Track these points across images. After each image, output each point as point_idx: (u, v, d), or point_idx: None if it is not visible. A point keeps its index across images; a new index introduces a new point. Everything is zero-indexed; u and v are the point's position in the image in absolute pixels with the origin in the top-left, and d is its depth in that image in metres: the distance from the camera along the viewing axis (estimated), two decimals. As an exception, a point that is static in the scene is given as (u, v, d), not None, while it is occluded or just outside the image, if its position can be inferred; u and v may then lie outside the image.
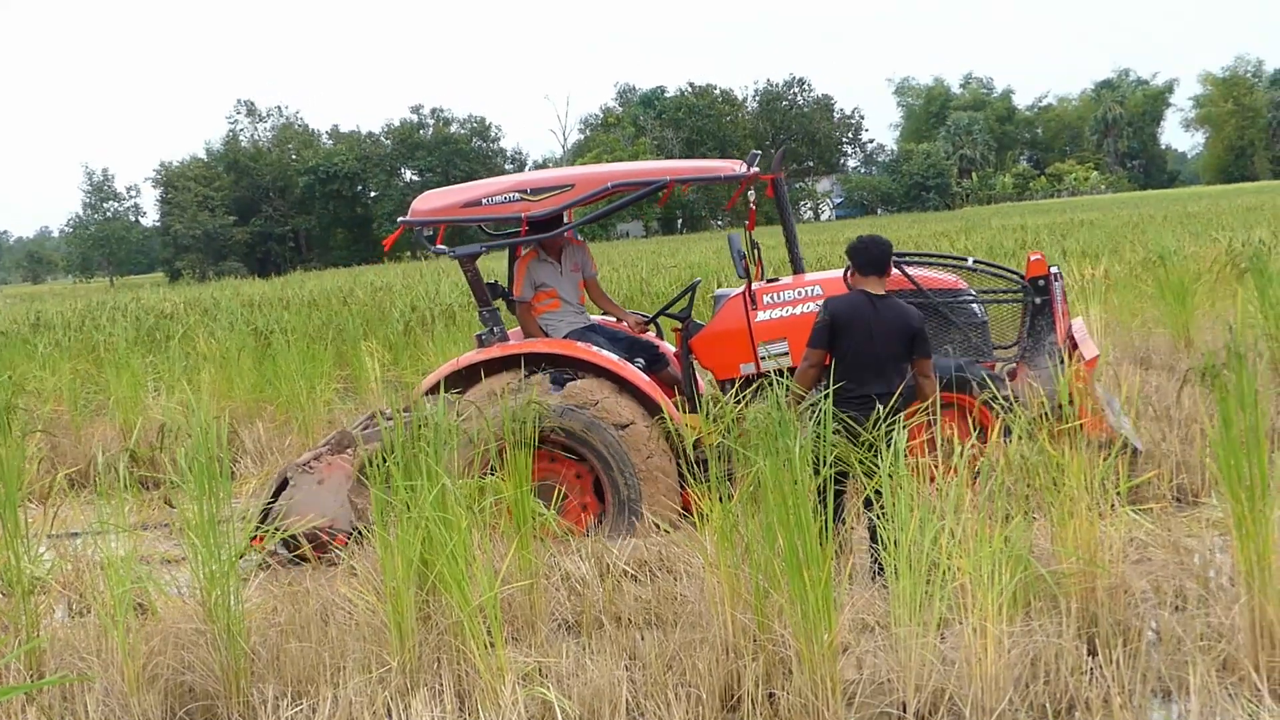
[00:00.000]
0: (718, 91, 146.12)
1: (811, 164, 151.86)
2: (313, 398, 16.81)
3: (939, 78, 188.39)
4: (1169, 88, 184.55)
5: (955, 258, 13.37)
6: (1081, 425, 9.43)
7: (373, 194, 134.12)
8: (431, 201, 12.73)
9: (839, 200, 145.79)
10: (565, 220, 12.77)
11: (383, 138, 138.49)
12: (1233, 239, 29.53)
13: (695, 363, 12.41)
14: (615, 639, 8.56)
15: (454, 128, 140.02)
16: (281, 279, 71.36)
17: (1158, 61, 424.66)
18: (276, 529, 11.08)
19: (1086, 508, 8.28)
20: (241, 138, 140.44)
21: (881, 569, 8.48)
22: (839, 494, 8.79)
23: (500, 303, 12.81)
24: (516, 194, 12.12)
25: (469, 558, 7.91)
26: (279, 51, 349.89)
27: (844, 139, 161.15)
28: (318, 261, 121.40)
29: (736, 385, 11.61)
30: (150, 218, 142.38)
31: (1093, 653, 7.78)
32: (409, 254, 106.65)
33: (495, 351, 12.02)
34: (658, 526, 10.85)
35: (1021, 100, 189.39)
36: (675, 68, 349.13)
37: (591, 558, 10.05)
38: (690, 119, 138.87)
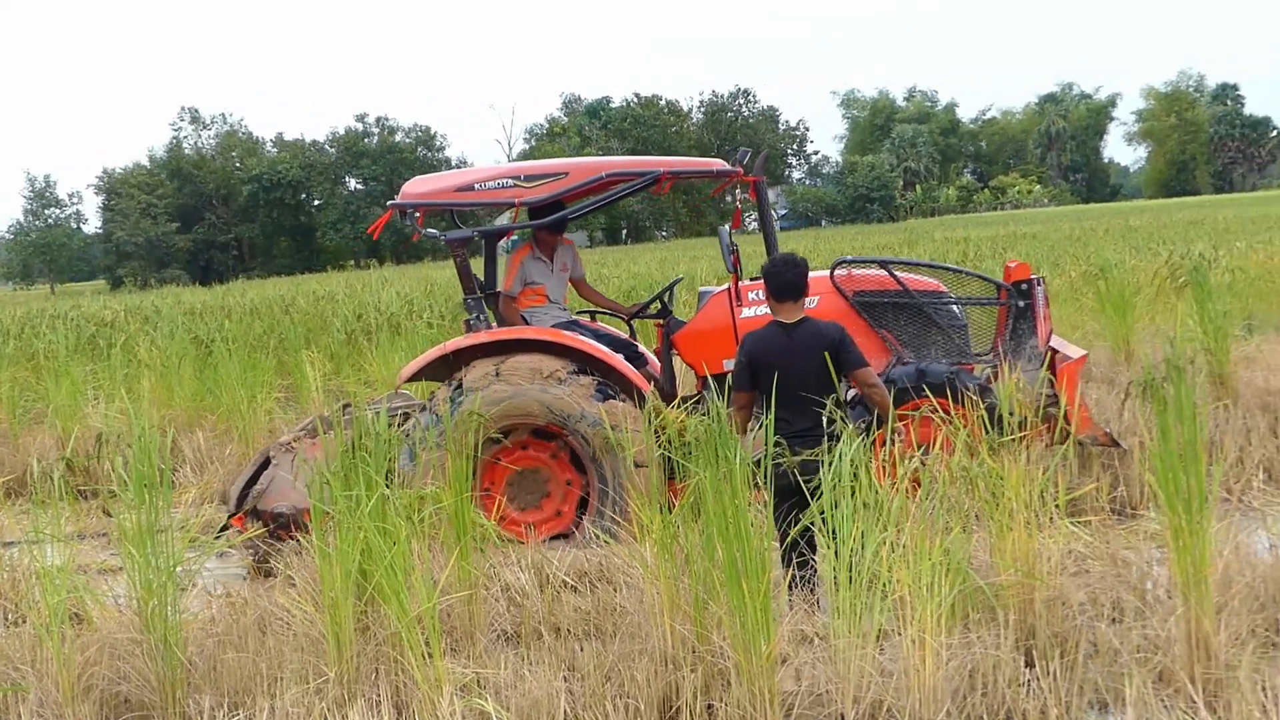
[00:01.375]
0: (663, 102, 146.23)
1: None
2: (253, 407, 16.75)
3: (884, 90, 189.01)
4: (1112, 102, 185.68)
5: (940, 266, 13.71)
6: (1071, 424, 9.62)
7: (316, 202, 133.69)
8: (422, 185, 12.81)
9: (783, 212, 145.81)
10: (564, 209, 12.86)
11: (327, 146, 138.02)
12: (1173, 253, 29.69)
13: (676, 359, 12.56)
14: (554, 650, 8.54)
15: (399, 136, 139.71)
16: (224, 287, 71.02)
17: (1101, 75, 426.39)
18: (257, 510, 11.11)
19: (1025, 520, 8.31)
20: (185, 145, 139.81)
21: (805, 581, 8.52)
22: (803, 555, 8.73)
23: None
24: (510, 180, 12.19)
25: (408, 568, 7.89)
26: (224, 59, 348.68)
27: (789, 150, 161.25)
28: (261, 270, 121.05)
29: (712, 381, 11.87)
30: (92, 225, 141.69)
31: (1030, 664, 7.80)
32: (353, 263, 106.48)
33: (483, 337, 12.07)
34: (598, 537, 10.87)
35: (965, 113, 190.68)
36: (621, 78, 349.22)
37: (531, 568, 10.03)
38: (636, 129, 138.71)
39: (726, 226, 12.32)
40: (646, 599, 8.44)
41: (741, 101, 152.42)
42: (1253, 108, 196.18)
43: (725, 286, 12.42)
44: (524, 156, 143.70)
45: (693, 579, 7.87)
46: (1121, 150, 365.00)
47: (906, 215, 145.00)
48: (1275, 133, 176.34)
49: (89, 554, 10.72)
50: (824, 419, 8.73)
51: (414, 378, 12.52)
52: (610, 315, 13.64)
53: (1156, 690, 7.36)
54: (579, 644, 8.67)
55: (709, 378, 12.22)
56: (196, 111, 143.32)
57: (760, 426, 8.57)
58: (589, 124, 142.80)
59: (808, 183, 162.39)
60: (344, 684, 7.81)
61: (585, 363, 11.93)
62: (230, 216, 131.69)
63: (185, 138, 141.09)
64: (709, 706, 7.58)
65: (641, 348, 13.29)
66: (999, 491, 8.34)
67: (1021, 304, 12.61)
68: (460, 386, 11.63)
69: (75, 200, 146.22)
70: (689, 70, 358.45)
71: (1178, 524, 7.43)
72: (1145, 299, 20.43)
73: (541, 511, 11.85)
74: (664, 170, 12.55)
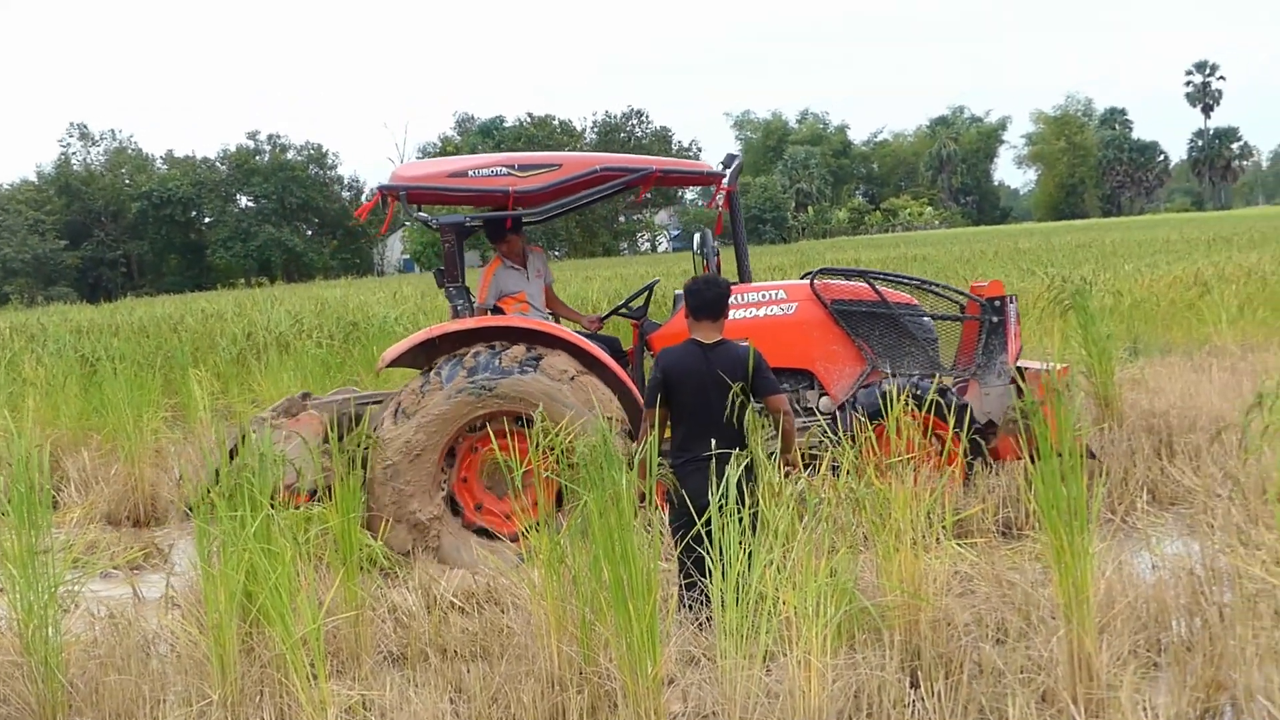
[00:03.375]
0: (556, 122, 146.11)
1: (649, 195, 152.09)
2: (140, 426, 16.56)
3: (777, 112, 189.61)
4: (1002, 125, 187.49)
5: (919, 280, 13.98)
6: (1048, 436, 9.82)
7: (207, 220, 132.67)
8: (414, 170, 12.86)
9: (676, 233, 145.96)
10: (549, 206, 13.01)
11: (218, 163, 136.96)
12: (1059, 275, 30.01)
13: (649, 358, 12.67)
14: (441, 671, 8.53)
15: (290, 154, 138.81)
16: (112, 305, 70.26)
17: (991, 99, 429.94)
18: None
19: (912, 541, 8.36)
20: (74, 161, 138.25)
21: (695, 601, 8.52)
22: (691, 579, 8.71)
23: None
24: (504, 168, 12.27)
25: (293, 589, 7.84)
26: (114, 75, 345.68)
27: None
28: (150, 288, 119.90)
29: None
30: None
31: (915, 685, 7.84)
32: (243, 281, 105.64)
33: (471, 323, 12.14)
34: (486, 559, 10.86)
35: (857, 135, 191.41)
36: (514, 97, 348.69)
37: (418, 589, 10.00)
38: (529, 149, 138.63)
39: (709, 231, 12.55)
40: (534, 620, 8.44)
41: (635, 122, 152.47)
42: (1140, 132, 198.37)
43: None
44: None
45: (580, 600, 7.87)
46: (1011, 173, 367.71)
47: (799, 236, 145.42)
48: (1163, 157, 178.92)
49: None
50: (733, 445, 8.58)
51: (395, 362, 12.51)
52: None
53: (1039, 710, 7.41)
54: (466, 665, 8.66)
55: None
56: (86, 127, 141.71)
57: (645, 443, 8.53)
58: (482, 143, 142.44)
59: (701, 204, 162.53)
60: (228, 706, 7.75)
61: (569, 352, 12.01)
62: (119, 233, 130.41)
63: (74, 154, 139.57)
64: (596, 728, 7.58)
65: (623, 347, 13.47)
66: (886, 512, 8.38)
67: (995, 320, 12.83)
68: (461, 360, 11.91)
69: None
70: (582, 90, 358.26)
71: (1059, 545, 7.50)
72: (1030, 321, 20.59)
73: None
74: (656, 168, 12.79)
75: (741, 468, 7.83)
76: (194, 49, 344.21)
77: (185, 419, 19.57)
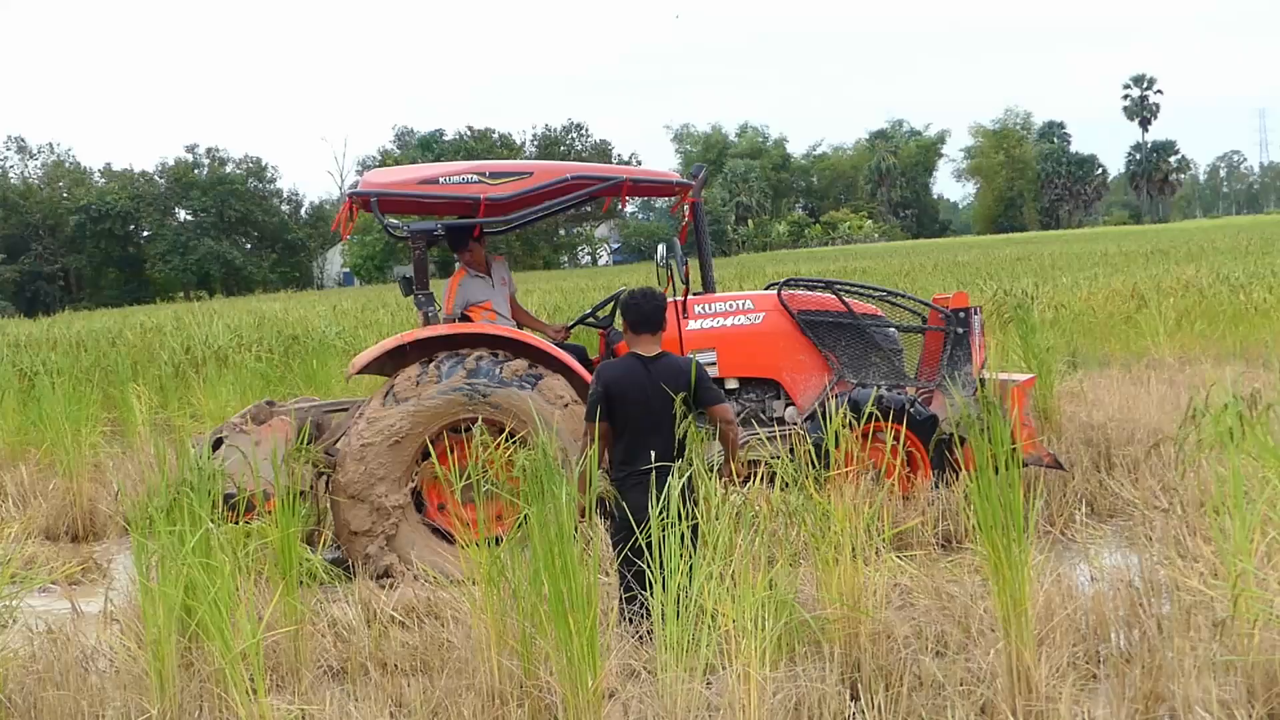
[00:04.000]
0: (496, 135, 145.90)
1: (589, 209, 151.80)
2: (78, 441, 16.46)
3: (717, 125, 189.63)
4: (941, 138, 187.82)
5: (886, 290, 14.37)
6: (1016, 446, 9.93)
7: (145, 233, 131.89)
8: (386, 176, 13.08)
9: (616, 246, 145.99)
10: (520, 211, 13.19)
11: (157, 177, 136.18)
12: (999, 288, 30.14)
13: None
14: (381, 686, 8.51)
15: (229, 168, 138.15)
16: (50, 319, 69.82)
17: (930, 112, 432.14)
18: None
19: (852, 554, 8.38)
20: (11, 174, 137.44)
21: (636, 615, 8.52)
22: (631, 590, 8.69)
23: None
24: (475, 176, 12.39)
25: (232, 604, 7.80)
26: (52, 88, 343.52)
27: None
28: (88, 301, 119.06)
29: None
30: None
31: (855, 698, 7.86)
32: (182, 295, 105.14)
33: (442, 329, 12.22)
34: (426, 572, 10.84)
35: (796, 149, 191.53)
36: (454, 111, 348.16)
37: (359, 604, 9.97)
38: (470, 162, 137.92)
39: (675, 241, 12.90)
40: (474, 634, 8.42)
41: (574, 135, 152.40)
42: (1079, 146, 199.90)
43: (670, 300, 12.53)
44: (355, 189, 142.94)
45: (520, 614, 7.86)
46: (950, 187, 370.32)
47: (739, 249, 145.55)
48: (1100, 170, 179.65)
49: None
50: (678, 453, 8.61)
51: (364, 369, 12.61)
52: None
53: (979, 722, 7.45)
54: (406, 680, 8.63)
55: None
56: (23, 141, 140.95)
57: (583, 458, 8.53)
58: (421, 156, 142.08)
59: (641, 217, 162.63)
60: (166, 721, 7.72)
61: (536, 358, 12.15)
62: (57, 247, 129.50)
63: (11, 167, 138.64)
64: (536, 742, 7.57)
65: (588, 355, 13.52)
66: (825, 525, 8.40)
67: (960, 331, 12.97)
68: (463, 360, 11.99)
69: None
70: (522, 103, 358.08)
71: (997, 558, 7.53)
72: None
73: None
74: (626, 177, 13.05)
75: (684, 480, 7.83)
76: (132, 62, 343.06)
77: (124, 433, 19.48)
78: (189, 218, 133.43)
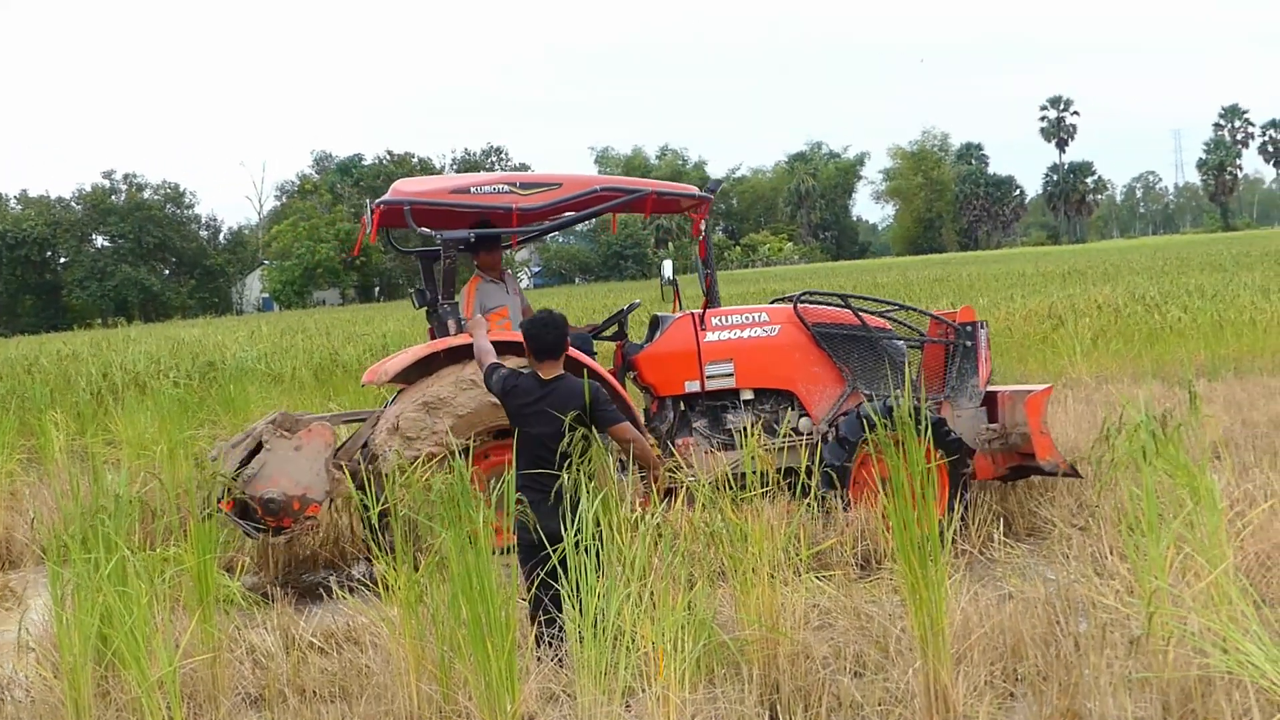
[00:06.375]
0: (416, 160, 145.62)
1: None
2: (-7, 469, 16.36)
3: (638, 148, 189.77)
4: (860, 161, 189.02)
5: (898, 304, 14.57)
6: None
7: (63, 260, 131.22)
8: (415, 185, 13.09)
9: (537, 269, 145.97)
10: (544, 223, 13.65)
11: (73, 203, 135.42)
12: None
13: (631, 380, 13.19)
14: (299, 713, 8.45)
15: (147, 194, 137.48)
16: (-35, 346, 69.32)
17: (849, 135, 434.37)
18: (247, 495, 11.01)
19: (770, 574, 8.39)
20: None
21: (553, 638, 8.50)
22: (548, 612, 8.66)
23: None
24: (506, 186, 12.52)
25: (149, 631, 7.74)
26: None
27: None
28: (4, 329, 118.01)
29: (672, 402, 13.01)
30: None
31: (774, 719, 7.87)
32: (99, 321, 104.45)
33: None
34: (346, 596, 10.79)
35: (716, 171, 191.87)
36: (370, 135, 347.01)
37: (277, 630, 9.91)
38: (388, 187, 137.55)
39: (669, 259, 13.27)
40: (393, 660, 8.39)
41: (494, 160, 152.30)
42: (996, 167, 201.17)
43: (686, 312, 13.19)
44: (276, 214, 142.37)
45: (438, 639, 7.83)
46: (870, 208, 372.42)
47: (659, 272, 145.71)
48: (1018, 191, 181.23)
49: None
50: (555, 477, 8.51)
51: (401, 375, 12.60)
52: None
53: (897, 742, 7.47)
54: (324, 706, 8.57)
55: (666, 399, 13.04)
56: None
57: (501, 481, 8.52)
58: (340, 181, 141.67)
59: (561, 240, 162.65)
60: (82, 752, 7.65)
61: (571, 369, 12.10)
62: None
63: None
64: (454, 767, 7.54)
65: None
66: (743, 546, 8.41)
67: (967, 344, 13.27)
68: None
69: None
70: (442, 128, 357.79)
71: (914, 578, 7.56)
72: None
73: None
74: (652, 190, 13.29)
75: (567, 500, 7.84)
76: (48, 88, 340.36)
77: (41, 460, 19.31)
78: (106, 244, 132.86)
